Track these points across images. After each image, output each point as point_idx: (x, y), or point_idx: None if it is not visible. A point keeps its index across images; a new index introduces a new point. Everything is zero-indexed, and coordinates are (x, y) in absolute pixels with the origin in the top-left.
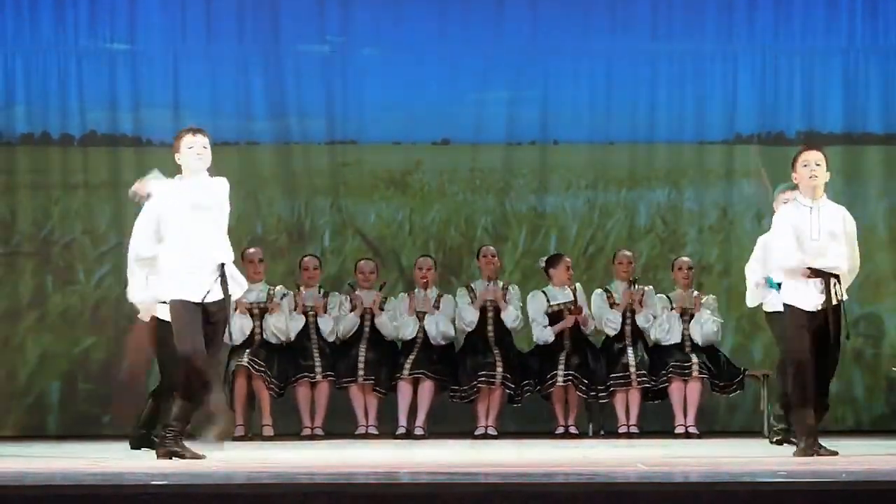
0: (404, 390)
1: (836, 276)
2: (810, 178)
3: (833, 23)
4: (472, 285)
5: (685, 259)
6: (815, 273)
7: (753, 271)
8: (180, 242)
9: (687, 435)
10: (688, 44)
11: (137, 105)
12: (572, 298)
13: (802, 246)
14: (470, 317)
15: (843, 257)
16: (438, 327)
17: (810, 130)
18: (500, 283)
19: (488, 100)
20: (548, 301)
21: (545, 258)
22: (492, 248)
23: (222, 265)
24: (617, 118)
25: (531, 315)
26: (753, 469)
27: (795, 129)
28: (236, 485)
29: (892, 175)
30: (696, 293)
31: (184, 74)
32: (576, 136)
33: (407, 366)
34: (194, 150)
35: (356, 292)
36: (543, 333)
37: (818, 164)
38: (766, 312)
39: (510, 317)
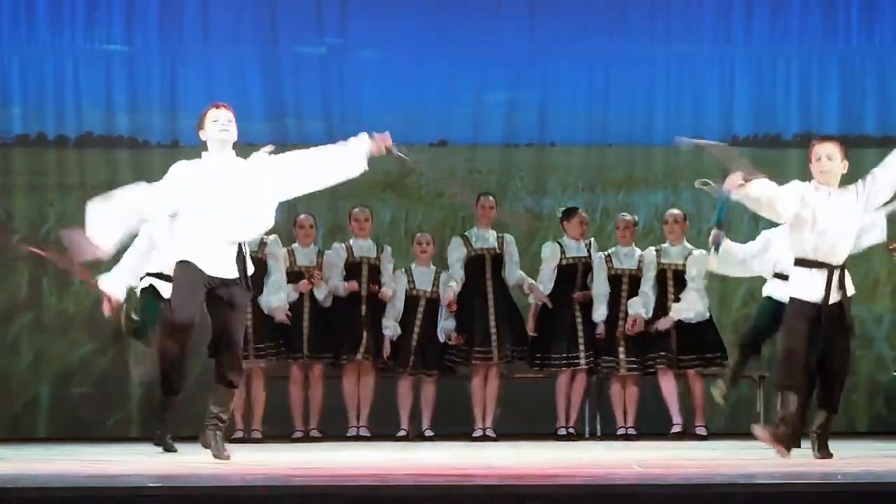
0: (404, 391)
1: (843, 269)
2: (821, 173)
3: (830, 25)
4: (468, 234)
5: (673, 212)
6: (820, 265)
7: (742, 247)
8: (198, 217)
9: (686, 434)
10: (685, 46)
11: (134, 106)
12: (586, 253)
13: (813, 230)
14: (460, 273)
15: (847, 245)
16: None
17: (807, 133)
18: (495, 234)
19: (486, 101)
20: (562, 252)
21: (563, 209)
22: (491, 196)
23: (240, 244)
24: (614, 120)
25: (543, 265)
26: (749, 471)
27: (792, 132)
28: (231, 487)
29: None
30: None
31: (181, 76)
32: (573, 137)
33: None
34: (219, 122)
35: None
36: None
37: (829, 158)
38: (765, 298)
39: (512, 275)
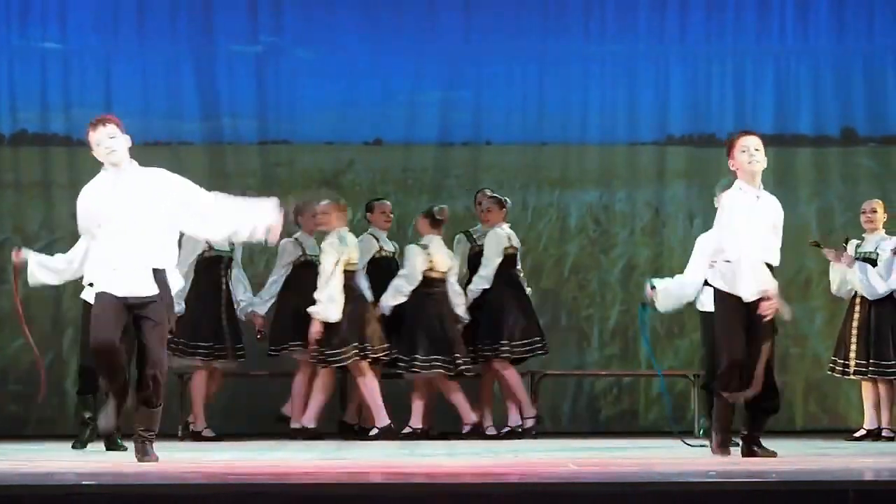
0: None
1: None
2: (749, 163)
3: (764, 25)
4: (472, 231)
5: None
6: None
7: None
8: (106, 237)
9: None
10: (620, 45)
11: (68, 104)
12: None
13: (745, 233)
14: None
15: (777, 249)
16: None
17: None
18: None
19: (421, 100)
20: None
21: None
22: (488, 191)
23: (155, 270)
24: (549, 119)
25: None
26: (684, 469)
27: (727, 131)
28: (166, 485)
29: (822, 177)
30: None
31: (115, 74)
32: (508, 136)
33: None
34: (102, 146)
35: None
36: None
37: (757, 150)
38: (700, 312)
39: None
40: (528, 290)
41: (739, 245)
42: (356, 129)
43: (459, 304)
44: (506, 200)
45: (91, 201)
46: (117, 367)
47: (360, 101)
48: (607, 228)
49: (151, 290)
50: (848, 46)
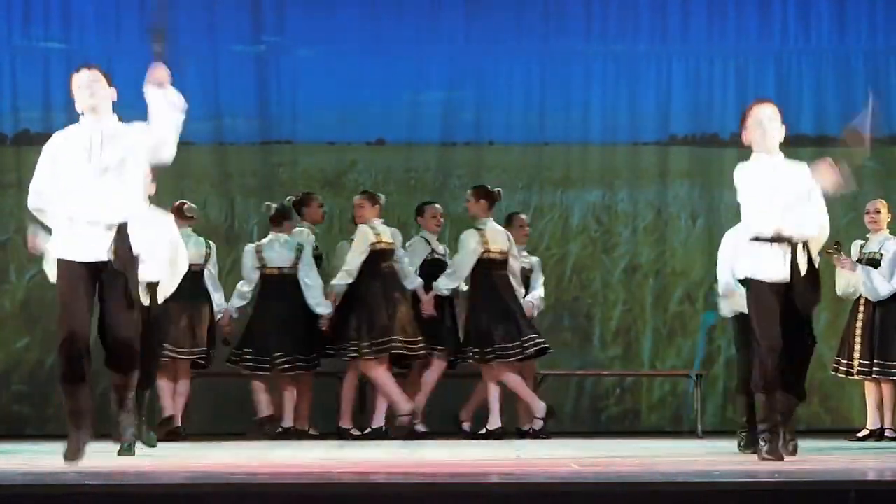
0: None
1: (804, 243)
2: (764, 138)
3: (765, 25)
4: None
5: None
6: (779, 239)
7: (725, 273)
8: (71, 194)
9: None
10: (622, 45)
11: (71, 104)
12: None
13: (767, 205)
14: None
15: (810, 219)
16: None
17: None
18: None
19: (423, 100)
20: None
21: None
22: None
23: (120, 225)
24: (551, 119)
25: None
26: (687, 469)
27: (729, 131)
28: (170, 485)
29: None
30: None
31: (118, 74)
32: (510, 136)
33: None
34: (82, 88)
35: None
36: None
37: (771, 121)
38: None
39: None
40: (416, 285)
41: (752, 222)
42: (358, 129)
43: (312, 296)
44: (379, 196)
45: (62, 146)
46: (84, 356)
47: (362, 101)
48: (609, 228)
49: (114, 252)
50: (850, 46)
